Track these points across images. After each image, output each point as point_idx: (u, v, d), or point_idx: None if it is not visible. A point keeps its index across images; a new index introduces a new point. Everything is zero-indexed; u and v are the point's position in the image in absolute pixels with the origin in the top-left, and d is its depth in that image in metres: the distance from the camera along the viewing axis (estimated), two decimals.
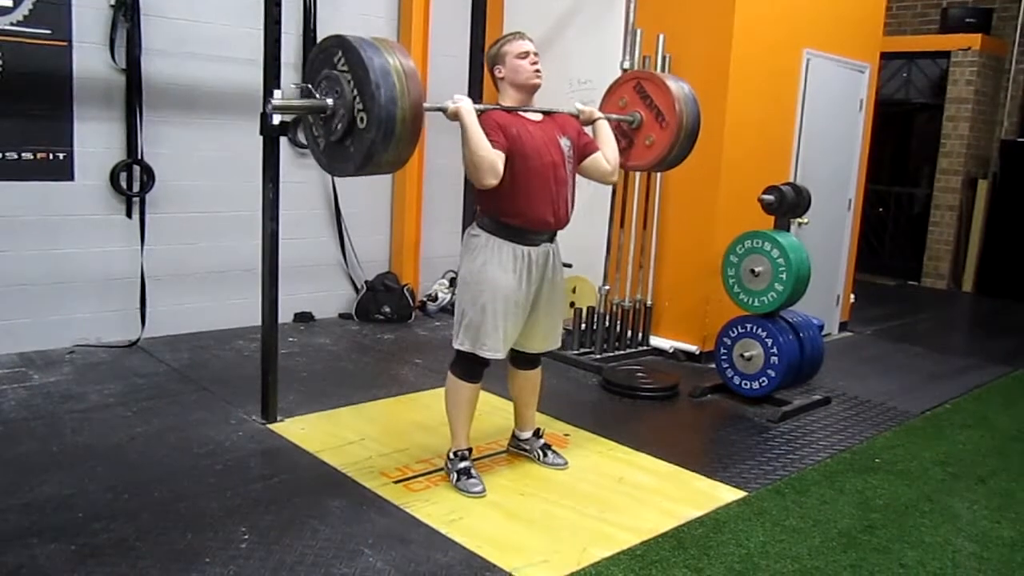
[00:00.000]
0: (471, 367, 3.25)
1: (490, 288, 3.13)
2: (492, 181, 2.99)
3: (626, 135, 3.69)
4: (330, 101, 2.68)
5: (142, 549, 2.68)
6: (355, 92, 2.59)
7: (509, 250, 3.15)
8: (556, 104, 3.37)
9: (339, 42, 2.65)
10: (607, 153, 3.37)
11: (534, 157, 3.10)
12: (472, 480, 3.27)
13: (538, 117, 3.23)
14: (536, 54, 3.20)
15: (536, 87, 3.21)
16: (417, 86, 2.60)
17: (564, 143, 3.23)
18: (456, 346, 3.23)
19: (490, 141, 2.98)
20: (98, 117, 4.81)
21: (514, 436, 3.68)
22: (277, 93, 2.69)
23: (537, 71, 3.18)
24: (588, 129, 3.42)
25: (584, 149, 3.33)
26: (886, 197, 9.55)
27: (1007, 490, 3.63)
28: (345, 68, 2.62)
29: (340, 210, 5.95)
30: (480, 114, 3.02)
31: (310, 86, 2.76)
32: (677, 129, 3.54)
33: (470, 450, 3.37)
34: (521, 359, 3.48)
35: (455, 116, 2.98)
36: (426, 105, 2.75)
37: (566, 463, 3.58)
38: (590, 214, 5.53)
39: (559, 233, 3.35)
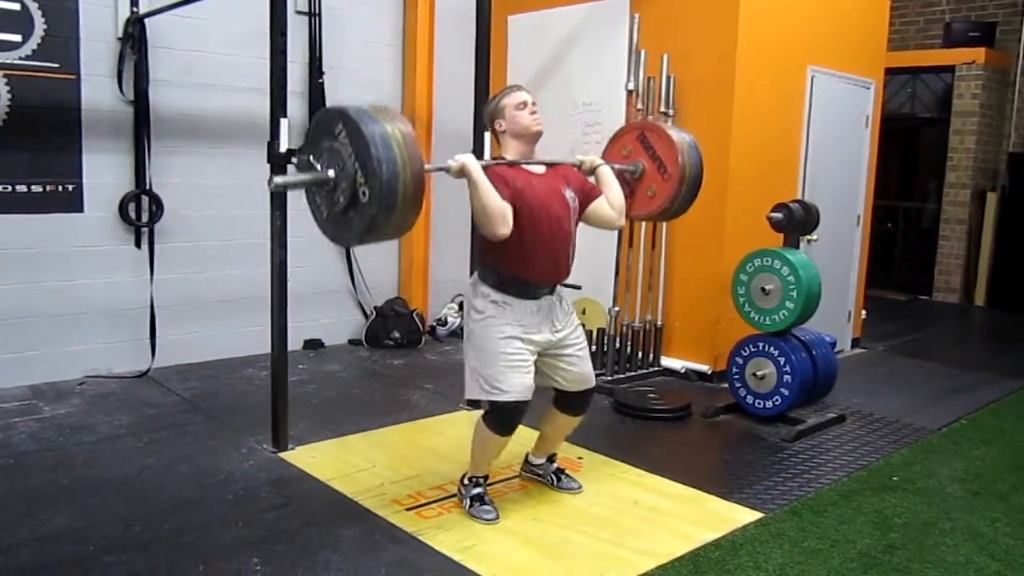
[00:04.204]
0: (505, 419, 3.13)
1: (494, 334, 3.09)
2: (504, 231, 2.96)
3: (628, 184, 3.66)
4: (332, 173, 2.65)
5: None
6: (356, 165, 2.57)
7: (512, 304, 3.11)
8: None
9: (340, 114, 2.63)
10: (611, 198, 3.33)
11: (538, 211, 3.08)
12: (485, 507, 3.23)
13: (541, 170, 3.21)
14: (534, 104, 3.20)
15: (538, 135, 3.20)
16: (417, 153, 2.59)
17: (568, 195, 3.21)
18: (468, 396, 3.17)
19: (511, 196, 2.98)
20: (106, 148, 4.84)
21: (527, 460, 3.64)
22: (278, 178, 2.73)
23: (536, 119, 3.18)
24: (591, 177, 3.40)
25: (588, 195, 3.30)
26: (894, 212, 9.52)
27: None
28: (346, 141, 2.60)
29: None
30: (483, 169, 3.00)
31: (311, 158, 2.75)
32: (679, 181, 3.53)
33: (486, 477, 3.33)
34: (563, 402, 3.40)
35: (460, 172, 2.95)
36: (428, 166, 2.76)
37: (580, 487, 3.54)
38: (599, 236, 5.49)
39: None
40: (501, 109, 3.20)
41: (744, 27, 5.08)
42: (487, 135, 4.43)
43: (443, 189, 6.25)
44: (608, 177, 3.38)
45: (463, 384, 3.26)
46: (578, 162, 3.39)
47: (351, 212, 2.64)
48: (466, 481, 3.32)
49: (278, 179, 2.79)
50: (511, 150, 3.21)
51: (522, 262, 3.10)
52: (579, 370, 3.31)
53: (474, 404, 3.25)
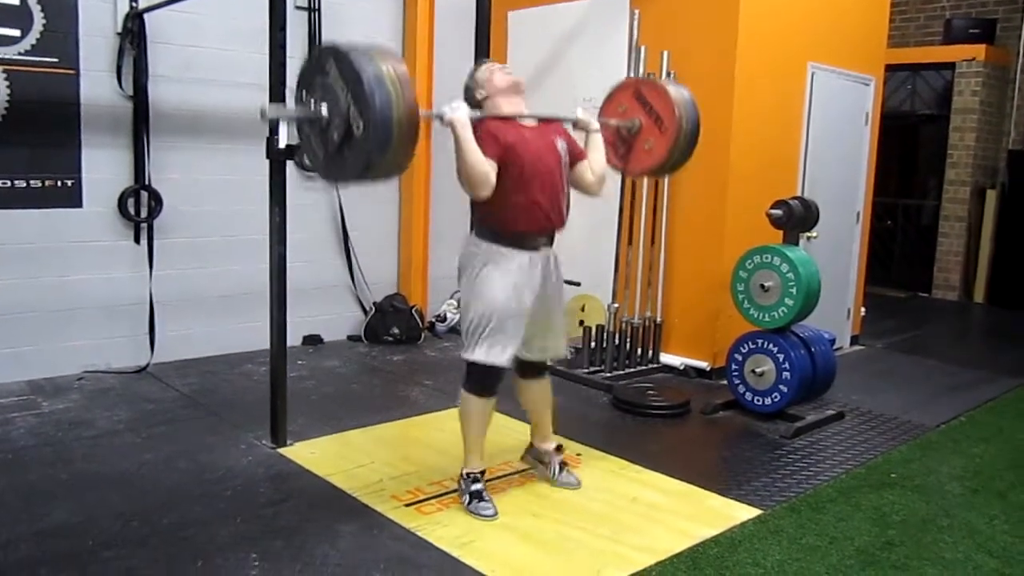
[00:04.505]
0: (485, 380, 3.21)
1: (493, 296, 3.12)
2: (484, 193, 3.02)
3: (625, 141, 3.69)
4: (325, 111, 2.68)
5: None
6: (350, 100, 2.58)
7: (510, 256, 3.15)
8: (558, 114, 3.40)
9: (331, 51, 2.66)
10: (594, 164, 3.37)
11: (531, 164, 3.12)
12: (484, 503, 3.23)
13: (533, 123, 3.26)
14: (505, 65, 3.31)
15: (519, 84, 3.26)
16: (411, 92, 2.61)
17: (560, 145, 3.26)
18: (468, 358, 3.18)
19: (484, 149, 3.00)
20: (105, 144, 4.83)
21: (533, 447, 3.64)
22: (271, 109, 2.68)
23: (510, 74, 3.26)
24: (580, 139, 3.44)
25: (574, 155, 3.35)
26: (894, 209, 9.52)
27: None
28: (338, 77, 2.62)
29: (348, 232, 5.96)
30: (476, 123, 3.03)
31: (303, 95, 2.77)
32: (676, 134, 3.53)
33: (483, 472, 3.34)
34: (527, 368, 3.45)
35: (450, 125, 2.99)
36: (423, 112, 2.76)
37: (579, 483, 3.54)
38: (598, 232, 5.52)
39: (563, 246, 3.36)
40: (476, 80, 3.28)
41: (744, 23, 5.07)
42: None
43: (442, 186, 6.25)
44: (597, 143, 3.42)
45: (462, 379, 3.26)
46: (574, 119, 3.44)
47: (346, 149, 2.64)
48: (464, 476, 3.32)
49: (270, 111, 2.79)
50: (502, 109, 3.22)
51: (519, 213, 3.14)
52: (554, 328, 3.39)
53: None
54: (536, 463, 3.63)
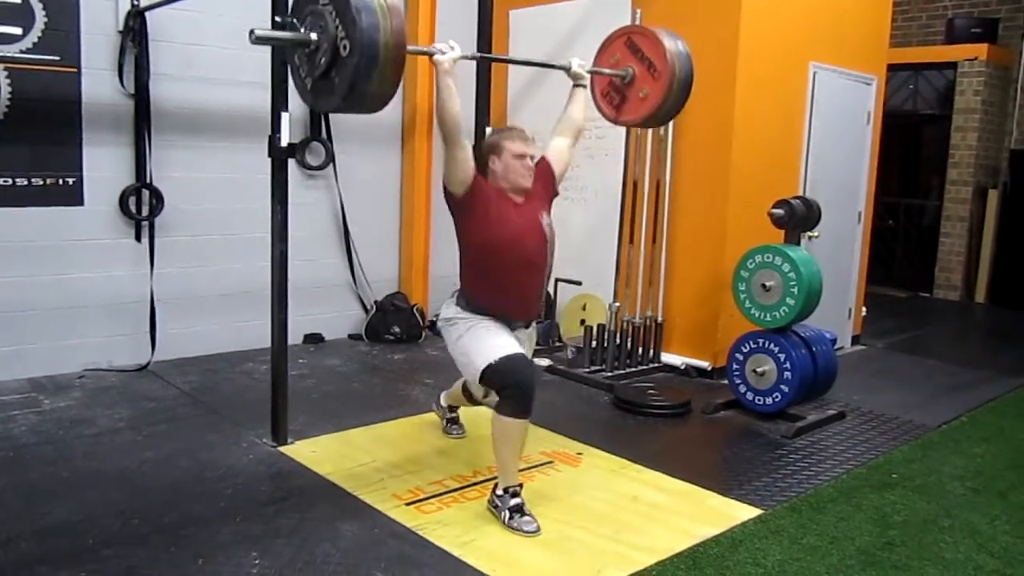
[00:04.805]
0: (519, 401, 3.11)
1: (484, 339, 3.16)
2: (454, 150, 3.04)
3: (619, 91, 3.70)
4: (314, 35, 2.72)
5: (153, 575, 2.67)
6: (338, 23, 2.62)
7: (489, 321, 3.21)
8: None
9: None
10: (572, 112, 3.48)
11: (510, 250, 3.13)
12: (527, 518, 3.12)
13: (520, 200, 3.21)
14: (532, 157, 3.21)
15: (525, 190, 3.21)
16: (399, 19, 2.63)
17: (545, 222, 3.26)
18: (480, 371, 3.12)
19: (468, 174, 3.09)
20: (107, 142, 4.83)
21: (439, 399, 4.12)
22: (260, 31, 2.74)
23: (529, 175, 3.19)
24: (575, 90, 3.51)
25: (548, 179, 3.36)
26: (896, 209, 9.51)
27: None
28: (328, 2, 2.66)
29: (349, 230, 5.96)
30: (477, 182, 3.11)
31: (295, 20, 2.81)
32: (670, 79, 3.52)
33: (521, 486, 3.23)
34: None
35: (436, 67, 3.00)
36: (413, 46, 2.81)
37: (463, 434, 4.03)
38: (599, 231, 5.53)
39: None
40: (500, 148, 3.19)
41: (746, 23, 5.06)
42: (488, 129, 4.43)
43: (442, 189, 6.24)
44: (580, 96, 3.52)
45: (497, 405, 3.21)
46: (567, 64, 3.50)
47: (333, 71, 2.68)
48: (500, 492, 3.20)
49: (259, 32, 2.82)
50: (499, 183, 3.23)
51: (494, 301, 3.19)
52: None
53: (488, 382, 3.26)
54: (445, 413, 4.09)
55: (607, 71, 3.65)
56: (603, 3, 5.60)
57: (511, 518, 3.13)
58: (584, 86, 3.53)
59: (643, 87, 3.62)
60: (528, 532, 3.08)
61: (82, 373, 4.82)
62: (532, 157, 3.20)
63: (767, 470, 3.84)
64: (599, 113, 3.88)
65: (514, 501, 3.16)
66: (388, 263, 6.32)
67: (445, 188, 3.18)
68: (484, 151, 3.25)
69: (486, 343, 3.14)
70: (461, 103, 3.04)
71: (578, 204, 5.79)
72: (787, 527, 3.22)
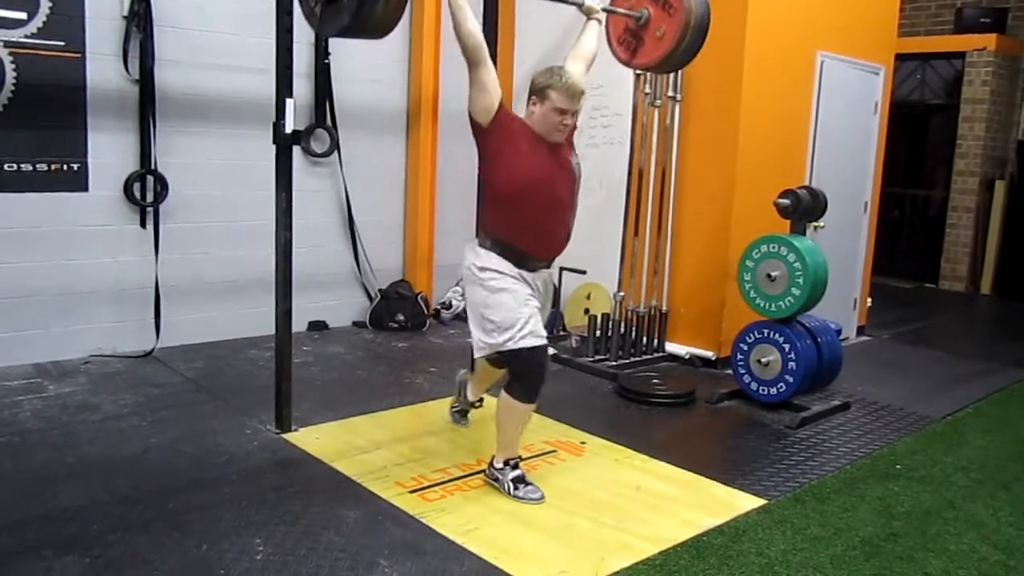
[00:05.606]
0: (533, 388, 3.16)
1: (502, 280, 3.13)
2: (477, 70, 3.03)
3: (635, 35, 3.72)
4: None
5: (156, 561, 2.67)
6: None
7: (506, 269, 3.16)
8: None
9: None
10: (584, 43, 3.48)
11: (537, 182, 3.10)
12: (531, 487, 3.24)
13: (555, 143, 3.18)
14: (574, 115, 3.13)
15: (554, 143, 3.17)
16: None
17: (574, 161, 3.25)
18: (505, 347, 3.11)
19: (492, 101, 3.06)
20: (112, 128, 4.82)
21: (467, 398, 3.96)
22: None
23: (563, 131, 3.14)
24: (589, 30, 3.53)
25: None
26: (902, 199, 9.48)
27: None
28: None
29: (353, 218, 5.95)
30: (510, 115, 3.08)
31: None
32: (686, 16, 3.53)
33: (520, 458, 3.35)
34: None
35: None
36: None
37: (467, 423, 3.99)
38: (604, 221, 5.51)
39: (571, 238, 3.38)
40: (546, 94, 3.10)
41: (753, 11, 5.03)
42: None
43: (447, 177, 6.24)
44: (592, 27, 3.53)
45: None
46: (579, 2, 3.51)
47: None
48: (499, 464, 3.29)
49: None
50: (536, 126, 3.17)
51: (522, 238, 3.15)
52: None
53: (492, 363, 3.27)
54: (465, 404, 4.00)
55: (621, 10, 3.68)
56: None
57: (515, 488, 3.22)
58: (599, 20, 3.55)
59: (659, 26, 3.64)
60: (534, 500, 3.18)
61: (87, 359, 4.83)
62: (574, 115, 3.13)
63: (771, 460, 3.83)
64: (615, 59, 3.88)
65: (516, 472, 3.26)
66: (392, 251, 6.32)
67: (471, 117, 3.12)
68: (531, 88, 3.17)
69: (516, 315, 3.10)
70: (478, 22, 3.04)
71: (583, 193, 5.74)
72: (791, 517, 3.22)
